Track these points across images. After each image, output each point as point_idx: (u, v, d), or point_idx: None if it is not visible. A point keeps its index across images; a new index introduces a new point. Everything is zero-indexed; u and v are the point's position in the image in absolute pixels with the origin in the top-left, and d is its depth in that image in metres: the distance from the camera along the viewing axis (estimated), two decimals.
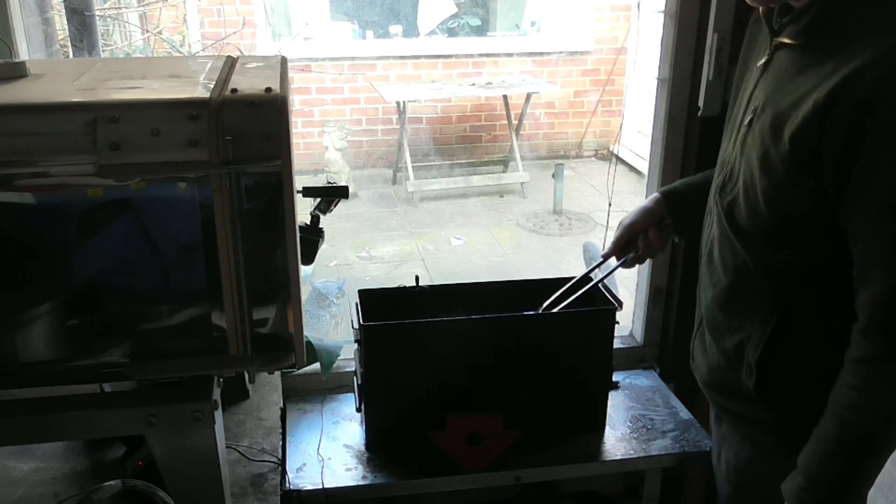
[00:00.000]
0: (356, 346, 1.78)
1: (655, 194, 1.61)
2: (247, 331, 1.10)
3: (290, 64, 1.21)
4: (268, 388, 1.81)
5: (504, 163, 6.13)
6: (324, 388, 2.01)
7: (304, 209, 1.26)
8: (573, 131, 6.61)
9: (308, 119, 5.97)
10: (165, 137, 1.00)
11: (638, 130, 5.64)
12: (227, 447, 1.48)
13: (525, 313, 1.75)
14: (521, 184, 5.81)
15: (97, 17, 2.25)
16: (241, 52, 3.87)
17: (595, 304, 1.81)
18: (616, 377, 1.89)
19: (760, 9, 1.23)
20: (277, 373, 1.84)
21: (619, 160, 5.94)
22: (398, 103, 5.69)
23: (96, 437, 1.52)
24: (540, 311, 1.75)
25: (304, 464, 1.77)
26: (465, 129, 6.44)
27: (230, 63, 1.21)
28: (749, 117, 1.24)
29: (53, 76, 1.19)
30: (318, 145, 5.78)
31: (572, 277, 1.83)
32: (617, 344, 1.99)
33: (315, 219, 1.41)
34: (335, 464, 1.76)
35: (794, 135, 1.12)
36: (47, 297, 1.09)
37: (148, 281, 1.11)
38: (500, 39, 6.64)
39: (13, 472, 1.48)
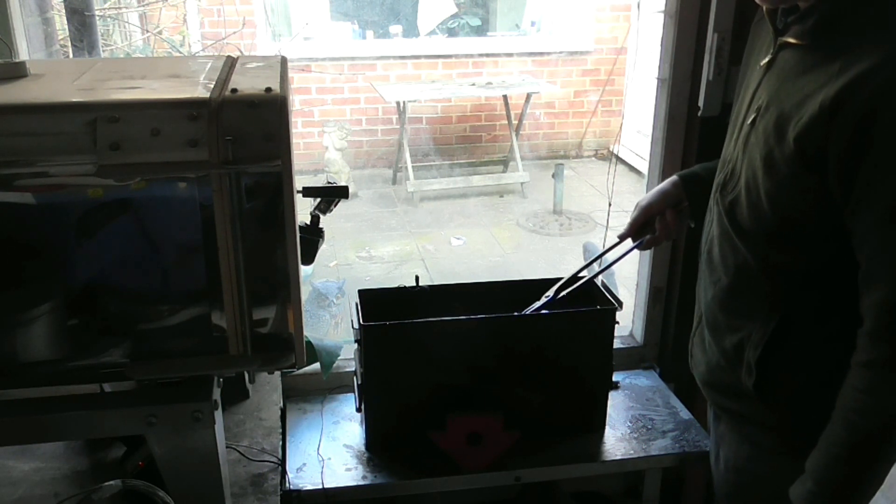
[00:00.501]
0: (356, 346, 1.78)
1: (673, 177, 1.59)
2: (247, 331, 1.10)
3: (290, 64, 1.21)
4: (268, 388, 1.81)
5: (504, 163, 6.13)
6: (324, 388, 2.01)
7: (304, 209, 1.26)
8: (573, 131, 6.61)
9: (308, 119, 5.97)
10: (165, 137, 1.00)
11: (638, 130, 5.64)
12: (227, 447, 1.48)
13: (525, 313, 1.75)
14: (521, 184, 5.81)
15: (97, 17, 2.25)
16: (241, 52, 3.87)
17: (595, 304, 1.81)
18: (616, 377, 1.89)
19: (765, 8, 1.22)
20: (277, 373, 1.84)
21: (619, 160, 5.94)
22: (398, 103, 5.69)
23: (96, 437, 1.52)
24: (550, 296, 1.75)
25: (304, 464, 1.77)
26: (465, 129, 6.44)
27: (230, 63, 1.21)
28: (752, 116, 1.24)
29: (53, 76, 1.19)
30: (318, 145, 5.77)
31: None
32: (617, 344, 1.99)
33: (315, 219, 1.41)
34: (335, 464, 1.76)
35: (799, 135, 1.11)
36: (47, 297, 1.09)
37: (148, 281, 1.11)
38: (500, 39, 6.64)
39: (13, 472, 1.48)
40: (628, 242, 1.65)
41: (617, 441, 1.85)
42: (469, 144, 6.45)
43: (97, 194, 1.03)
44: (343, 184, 1.40)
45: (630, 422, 1.92)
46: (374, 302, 1.81)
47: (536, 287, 1.87)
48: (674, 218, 1.57)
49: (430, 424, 1.72)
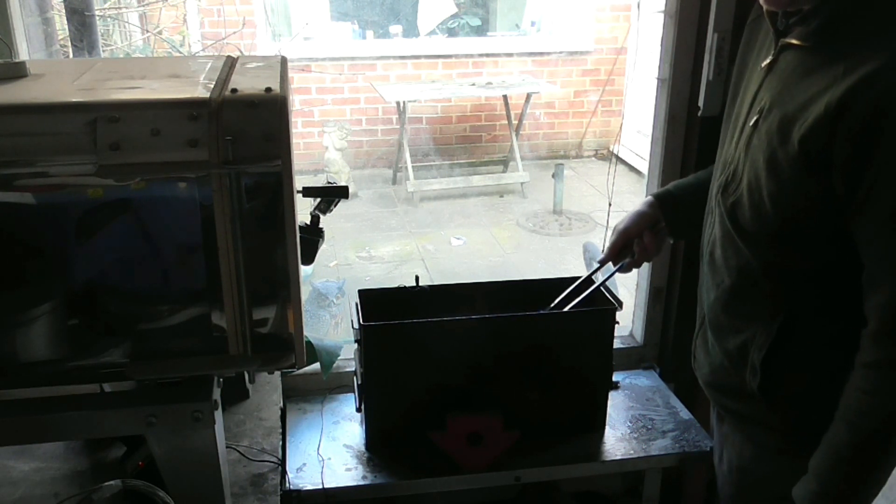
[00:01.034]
0: (356, 346, 1.78)
1: (648, 198, 1.61)
2: (247, 331, 1.10)
3: (290, 64, 1.21)
4: (268, 388, 1.81)
5: (504, 163, 6.13)
6: (324, 388, 2.01)
7: (304, 209, 1.26)
8: (573, 131, 6.61)
9: (308, 119, 5.97)
10: (165, 137, 1.00)
11: (638, 130, 5.64)
12: (227, 447, 1.48)
13: (525, 313, 1.75)
14: (521, 184, 5.81)
15: (97, 17, 2.25)
16: (241, 52, 3.87)
17: (595, 304, 1.80)
18: (616, 377, 1.89)
19: (764, 8, 1.22)
20: (277, 373, 1.84)
21: (619, 160, 5.94)
22: (398, 103, 5.69)
23: (96, 437, 1.52)
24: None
25: (304, 464, 1.77)
26: (465, 129, 6.44)
27: (230, 63, 1.21)
28: (754, 118, 1.23)
29: (53, 76, 1.19)
30: (318, 145, 5.77)
31: (573, 277, 1.84)
32: (617, 344, 1.99)
33: (315, 219, 1.41)
34: (335, 464, 1.76)
35: (803, 137, 1.11)
36: (47, 297, 1.09)
37: (148, 281, 1.11)
38: (500, 39, 6.64)
39: (13, 472, 1.48)
40: (609, 266, 1.66)
41: (617, 441, 1.85)
42: (469, 144, 6.45)
43: (97, 194, 1.02)
44: (343, 184, 1.40)
45: (630, 422, 1.92)
46: (374, 302, 1.81)
47: (536, 287, 1.87)
48: (652, 239, 1.58)
49: (430, 424, 1.72)
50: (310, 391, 2.01)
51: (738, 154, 1.27)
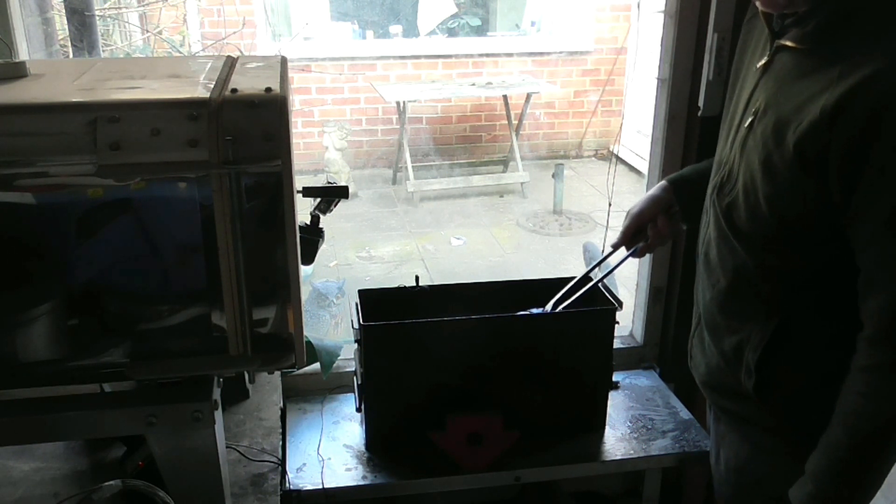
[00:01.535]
0: (356, 346, 1.78)
1: (662, 182, 1.59)
2: (247, 331, 1.10)
3: (290, 64, 1.21)
4: (268, 388, 1.81)
5: (504, 163, 6.13)
6: (324, 388, 2.01)
7: (304, 209, 1.26)
8: (573, 131, 6.61)
9: (308, 119, 5.97)
10: (165, 137, 1.00)
11: (638, 130, 5.64)
12: (227, 447, 1.48)
13: (525, 313, 1.75)
14: (521, 184, 5.81)
15: (97, 17, 2.25)
16: (241, 52, 3.87)
17: (595, 304, 1.81)
18: (616, 377, 1.89)
19: (760, 8, 1.22)
20: (277, 373, 1.84)
21: (619, 160, 5.94)
22: (398, 103, 5.69)
23: (96, 437, 1.52)
24: (548, 309, 1.75)
25: (304, 464, 1.77)
26: (465, 129, 6.44)
27: (230, 63, 1.21)
28: (749, 119, 1.23)
29: (53, 76, 1.19)
30: (318, 145, 5.77)
31: (573, 277, 1.83)
32: (617, 344, 1.99)
33: (315, 219, 1.41)
34: (335, 464, 1.76)
35: (799, 140, 1.11)
36: (47, 297, 1.09)
37: (148, 281, 1.11)
38: (500, 39, 6.64)
39: (13, 472, 1.48)
40: (622, 251, 1.65)
41: (617, 441, 1.85)
42: (469, 144, 6.45)
43: (97, 194, 1.03)
44: (343, 184, 1.40)
45: (630, 422, 1.92)
46: (374, 302, 1.81)
47: (536, 287, 1.87)
48: (665, 223, 1.57)
49: (430, 424, 1.72)
50: (310, 391, 2.01)
51: (734, 155, 1.27)
